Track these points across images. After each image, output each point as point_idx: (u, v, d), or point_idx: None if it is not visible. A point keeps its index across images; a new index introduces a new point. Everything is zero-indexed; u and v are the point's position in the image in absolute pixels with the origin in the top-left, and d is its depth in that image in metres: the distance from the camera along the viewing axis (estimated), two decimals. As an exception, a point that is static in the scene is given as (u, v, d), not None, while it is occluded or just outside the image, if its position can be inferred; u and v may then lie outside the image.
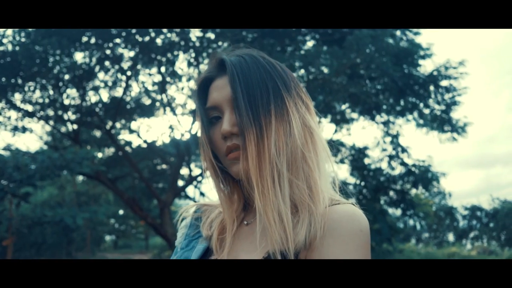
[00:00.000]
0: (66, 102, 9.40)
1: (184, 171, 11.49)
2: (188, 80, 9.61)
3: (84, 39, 7.69)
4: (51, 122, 9.95)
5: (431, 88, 8.98)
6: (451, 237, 18.05)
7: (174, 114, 10.06)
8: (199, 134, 0.83)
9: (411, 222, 15.48)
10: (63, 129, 10.59)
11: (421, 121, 10.18)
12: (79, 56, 8.53)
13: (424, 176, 10.57)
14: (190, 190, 12.47)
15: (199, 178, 10.44)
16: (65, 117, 9.65)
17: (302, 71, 8.10)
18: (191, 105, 10.29)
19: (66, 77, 8.59)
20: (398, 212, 12.15)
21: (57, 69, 8.23)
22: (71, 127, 10.02)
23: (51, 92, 9.06)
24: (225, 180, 0.83)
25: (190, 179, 10.36)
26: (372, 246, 10.41)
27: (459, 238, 17.03)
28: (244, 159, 0.73)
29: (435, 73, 8.79)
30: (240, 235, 0.81)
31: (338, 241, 0.69)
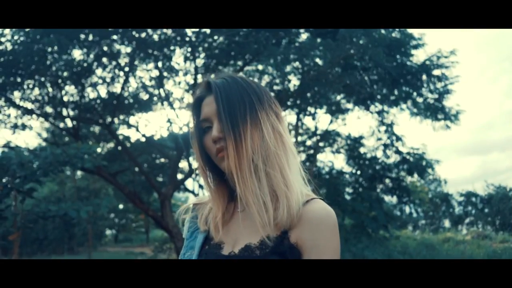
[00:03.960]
0: (65, 98, 9.51)
1: (183, 164, 11.64)
2: (185, 74, 9.73)
3: (82, 36, 7.79)
4: (51, 119, 10.07)
5: (424, 77, 9.14)
6: (447, 223, 18.30)
7: (172, 108, 10.19)
8: (193, 143, 1.07)
9: (407, 209, 15.68)
10: (62, 126, 10.71)
11: (415, 110, 10.35)
12: (77, 53, 8.63)
13: (418, 164, 10.77)
14: (189, 183, 12.63)
15: (198, 172, 10.58)
16: (64, 113, 9.77)
17: (297, 63, 8.23)
18: (189, 98, 10.42)
19: (65, 74, 8.70)
20: (394, 199, 12.37)
21: (55, 67, 8.35)
22: (70, 123, 10.14)
23: (50, 89, 9.18)
24: (213, 178, 1.06)
25: (189, 172, 10.52)
26: (368, 232, 10.63)
27: (455, 224, 17.27)
28: (226, 158, 0.94)
29: (427, 62, 8.94)
30: (235, 220, 1.02)
31: (323, 233, 0.90)
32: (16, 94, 9.05)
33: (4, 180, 6.28)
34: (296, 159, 1.00)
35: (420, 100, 9.88)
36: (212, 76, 1.06)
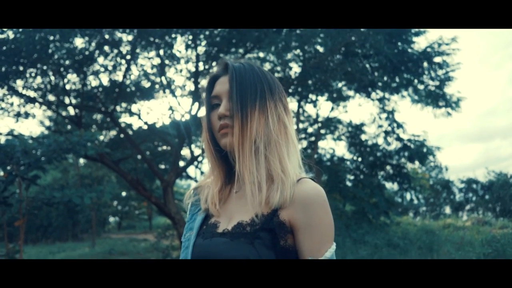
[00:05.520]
0: (67, 87, 9.56)
1: (185, 151, 11.71)
2: (186, 62, 9.75)
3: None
4: (53, 107, 10.13)
5: (425, 64, 9.13)
6: (448, 209, 18.41)
7: (174, 96, 10.24)
8: (203, 117, 1.12)
9: (408, 196, 15.79)
10: (64, 114, 10.78)
11: (416, 97, 10.36)
12: (78, 42, 8.66)
13: (419, 151, 10.82)
14: (191, 170, 12.71)
15: (200, 158, 10.68)
16: (67, 101, 9.84)
17: (298, 51, 8.24)
18: (190, 86, 10.45)
19: (67, 62, 8.74)
20: (395, 186, 12.45)
21: (57, 55, 8.38)
22: (73, 111, 10.21)
23: (52, 77, 9.22)
24: (214, 154, 1.11)
25: (191, 160, 10.60)
26: (369, 218, 10.73)
27: (456, 211, 17.38)
28: (230, 135, 1.02)
29: (428, 49, 8.93)
30: (231, 201, 1.09)
31: (315, 210, 0.95)
32: (19, 83, 9.10)
33: (8, 168, 6.37)
34: (297, 151, 1.05)
35: (421, 87, 9.88)
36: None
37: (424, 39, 14.30)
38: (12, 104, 9.59)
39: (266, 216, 0.97)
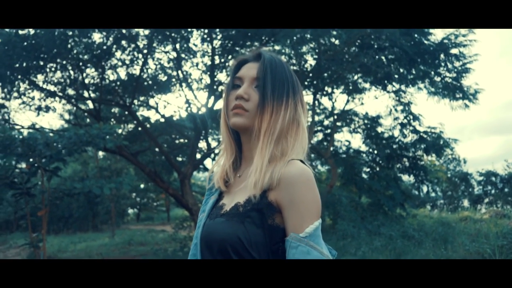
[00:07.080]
0: (86, 81, 9.77)
1: (201, 144, 11.86)
2: (202, 55, 9.85)
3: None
4: (73, 101, 10.37)
5: (442, 56, 9.03)
6: (466, 203, 18.20)
7: (190, 89, 10.36)
8: (224, 94, 1.21)
9: (425, 189, 15.66)
10: (83, 107, 11.02)
11: (432, 89, 10.25)
12: (96, 37, 8.84)
13: (436, 143, 10.75)
14: (208, 163, 12.85)
15: (216, 151, 10.81)
16: (86, 95, 10.05)
17: (313, 44, 8.26)
18: (206, 80, 10.55)
19: (85, 57, 8.93)
20: (411, 179, 12.40)
21: (76, 50, 8.57)
22: (92, 105, 10.42)
23: (71, 72, 9.43)
24: (230, 130, 1.20)
25: (208, 152, 10.73)
26: (385, 211, 10.73)
27: (474, 204, 17.18)
28: (242, 117, 1.11)
29: (445, 41, 8.84)
30: (236, 184, 1.18)
31: (296, 188, 1.01)
32: (40, 77, 9.33)
33: (31, 160, 6.59)
34: (303, 148, 1.13)
35: (437, 79, 9.78)
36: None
37: (441, 30, 14.07)
38: (33, 98, 9.85)
39: (257, 197, 1.05)
